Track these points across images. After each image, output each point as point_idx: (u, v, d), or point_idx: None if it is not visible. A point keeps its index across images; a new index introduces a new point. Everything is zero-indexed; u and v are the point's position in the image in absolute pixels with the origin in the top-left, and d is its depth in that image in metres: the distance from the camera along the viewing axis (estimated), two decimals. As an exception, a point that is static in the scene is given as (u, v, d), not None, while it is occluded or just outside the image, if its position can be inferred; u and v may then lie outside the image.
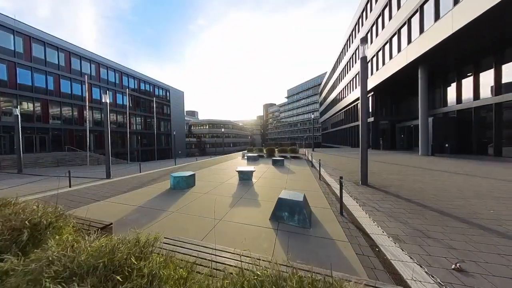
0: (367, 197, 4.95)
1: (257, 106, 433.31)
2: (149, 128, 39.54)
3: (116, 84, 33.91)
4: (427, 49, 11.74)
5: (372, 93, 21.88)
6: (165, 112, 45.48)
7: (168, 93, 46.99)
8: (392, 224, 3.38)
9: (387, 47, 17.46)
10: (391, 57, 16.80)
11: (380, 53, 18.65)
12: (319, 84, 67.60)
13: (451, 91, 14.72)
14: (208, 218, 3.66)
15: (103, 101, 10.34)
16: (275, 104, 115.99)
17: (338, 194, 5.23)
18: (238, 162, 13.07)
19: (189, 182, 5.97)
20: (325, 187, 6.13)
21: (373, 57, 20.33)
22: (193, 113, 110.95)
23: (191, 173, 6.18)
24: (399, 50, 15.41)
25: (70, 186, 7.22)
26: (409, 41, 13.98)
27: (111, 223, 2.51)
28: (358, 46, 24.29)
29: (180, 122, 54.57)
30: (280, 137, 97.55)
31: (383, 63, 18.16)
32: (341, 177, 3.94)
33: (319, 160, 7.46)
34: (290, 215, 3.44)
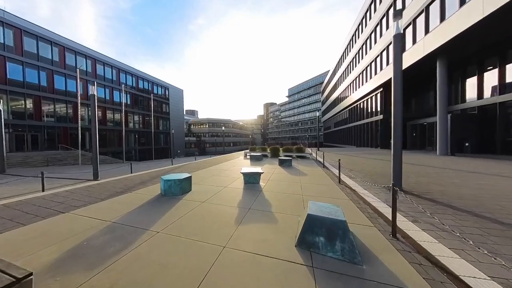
0: (412, 208, 3.83)
1: (258, 105, 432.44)
2: (147, 126, 38.39)
3: (113, 81, 32.76)
4: (450, 37, 10.61)
5: (381, 89, 20.75)
6: (164, 111, 44.32)
7: (167, 91, 45.83)
8: (481, 256, 2.25)
9: (399, 39, 16.31)
10: (403, 50, 15.65)
11: (391, 46, 17.46)
12: (321, 83, 66.45)
13: (471, 85, 13.56)
14: (205, 243, 2.54)
15: (90, 93, 9.23)
16: (276, 104, 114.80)
17: (372, 204, 4.14)
18: (240, 162, 11.95)
19: (184, 186, 4.85)
20: (350, 193, 5.01)
21: (383, 51, 19.19)
22: (193, 112, 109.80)
23: (186, 175, 5.06)
24: (414, 41, 14.27)
25: (43, 190, 6.10)
26: (427, 31, 12.84)
27: (30, 275, 1.38)
28: (366, 40, 23.17)
29: (180, 120, 53.46)
30: (281, 137, 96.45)
31: (395, 57, 17.00)
32: (393, 184, 2.81)
33: (339, 160, 6.33)
34: (328, 242, 2.32)
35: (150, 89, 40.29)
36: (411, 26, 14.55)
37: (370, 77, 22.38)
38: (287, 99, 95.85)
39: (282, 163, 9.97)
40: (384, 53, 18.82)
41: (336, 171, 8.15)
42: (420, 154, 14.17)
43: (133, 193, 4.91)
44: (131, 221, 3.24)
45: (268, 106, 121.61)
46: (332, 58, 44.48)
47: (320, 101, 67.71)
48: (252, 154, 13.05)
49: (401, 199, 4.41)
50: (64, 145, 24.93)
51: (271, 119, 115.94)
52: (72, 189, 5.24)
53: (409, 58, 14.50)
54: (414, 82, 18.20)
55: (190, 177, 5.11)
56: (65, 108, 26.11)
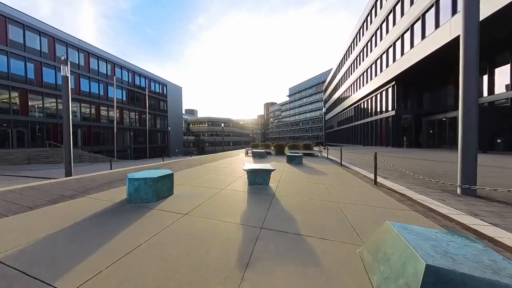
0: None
1: (258, 105, 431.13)
2: (143, 124, 36.78)
3: (108, 76, 31.15)
4: (492, 12, 9.06)
5: (393, 83, 19.21)
6: (161, 108, 42.70)
7: (165, 88, 44.23)
8: None
9: (417, 26, 14.80)
10: (423, 36, 14.11)
11: (407, 35, 15.96)
12: (323, 82, 64.93)
13: (502, 74, 12.02)
14: None
15: (61, 74, 7.71)
16: (276, 103, 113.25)
17: (459, 220, 2.55)
18: (241, 159, 10.40)
19: (160, 189, 3.29)
20: (403, 200, 3.46)
21: (396, 40, 17.66)
22: (192, 112, 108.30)
23: (165, 172, 3.49)
24: (437, 26, 12.74)
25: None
26: (454, 11, 11.32)
27: None
28: (376, 31, 21.67)
29: (178, 119, 51.94)
30: (281, 137, 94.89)
31: (411, 46, 15.48)
32: None
33: (375, 154, 4.78)
34: None
35: (147, 85, 38.67)
36: (433, 9, 13.02)
37: (380, 71, 20.84)
38: (287, 98, 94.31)
39: (291, 160, 8.43)
40: (398, 42, 17.27)
41: (360, 170, 6.62)
42: (443, 152, 12.63)
43: (86, 198, 3.34)
44: (43, 254, 1.67)
45: (268, 105, 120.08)
46: (333, 57, 43.07)
47: (322, 100, 66.18)
48: (254, 150, 11.51)
49: (495, 210, 2.87)
50: (53, 142, 23.32)
51: (271, 119, 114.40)
52: (5, 191, 3.67)
53: (435, 42, 12.85)
54: (433, 73, 16.64)
55: (171, 175, 3.54)
56: (55, 103, 24.53)
